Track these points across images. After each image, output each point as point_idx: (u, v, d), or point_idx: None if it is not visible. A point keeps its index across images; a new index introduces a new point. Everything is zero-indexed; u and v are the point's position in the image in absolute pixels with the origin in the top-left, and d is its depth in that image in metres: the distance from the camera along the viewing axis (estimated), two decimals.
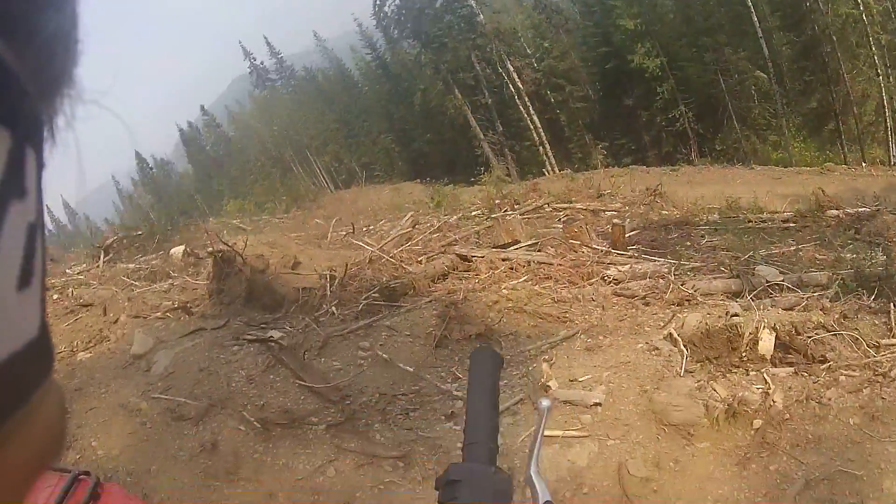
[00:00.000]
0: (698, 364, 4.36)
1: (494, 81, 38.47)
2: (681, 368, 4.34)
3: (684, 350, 4.45)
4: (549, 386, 4.52)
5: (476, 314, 5.99)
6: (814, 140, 30.02)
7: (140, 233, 17.49)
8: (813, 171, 21.84)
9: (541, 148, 37.46)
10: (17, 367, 0.30)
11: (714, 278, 6.98)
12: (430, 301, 6.66)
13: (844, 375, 4.19)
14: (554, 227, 10.94)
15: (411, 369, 5.41)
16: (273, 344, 6.30)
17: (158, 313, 8.22)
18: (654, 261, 8.05)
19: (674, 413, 3.81)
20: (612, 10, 32.40)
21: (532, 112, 37.43)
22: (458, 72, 38.33)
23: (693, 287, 6.35)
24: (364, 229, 13.66)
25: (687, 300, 5.96)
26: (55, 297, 10.02)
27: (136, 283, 10.81)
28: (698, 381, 4.01)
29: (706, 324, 4.65)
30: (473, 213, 13.43)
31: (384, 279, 7.78)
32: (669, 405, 3.84)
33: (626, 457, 3.75)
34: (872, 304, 5.24)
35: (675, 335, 4.63)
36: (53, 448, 0.37)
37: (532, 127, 37.50)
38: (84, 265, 14.04)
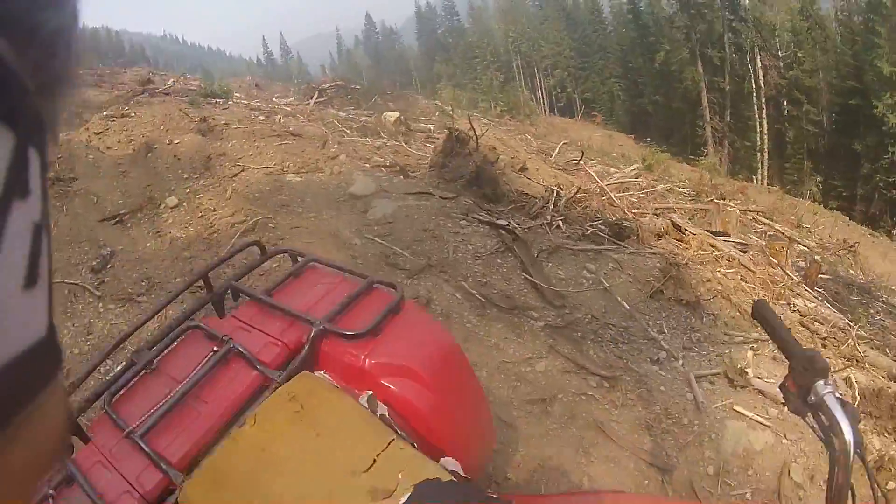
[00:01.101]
0: (862, 414, 4.95)
1: (738, 70, 37.14)
2: None
3: (858, 398, 5.07)
4: (746, 371, 4.89)
5: (690, 283, 6.14)
6: None
7: (358, 86, 17.43)
8: None
9: (759, 154, 36.43)
10: (24, 366, 0.31)
11: (881, 355, 7.20)
12: (654, 254, 6.70)
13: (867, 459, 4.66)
14: (750, 237, 10.95)
15: (627, 306, 5.51)
16: (505, 232, 6.32)
17: (371, 165, 8.30)
18: (834, 312, 8.15)
19: None
20: (874, 48, 29.97)
21: (764, 115, 36.17)
22: (708, 47, 37.24)
23: (865, 352, 6.68)
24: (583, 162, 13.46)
25: (857, 360, 6.31)
26: (261, 118, 10.09)
27: (347, 131, 10.97)
28: (866, 426, 4.63)
29: (877, 384, 5.18)
30: (680, 190, 13.26)
31: (608, 216, 7.80)
32: None
33: (792, 459, 4.14)
34: None
35: (854, 380, 5.21)
36: (58, 449, 0.38)
37: (758, 130, 36.29)
38: (293, 99, 14.18)
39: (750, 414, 4.45)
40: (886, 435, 4.67)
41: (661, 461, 3.88)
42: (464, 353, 2.18)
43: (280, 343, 1.97)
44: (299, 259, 2.43)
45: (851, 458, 1.22)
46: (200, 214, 6.17)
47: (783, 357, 1.44)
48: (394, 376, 1.83)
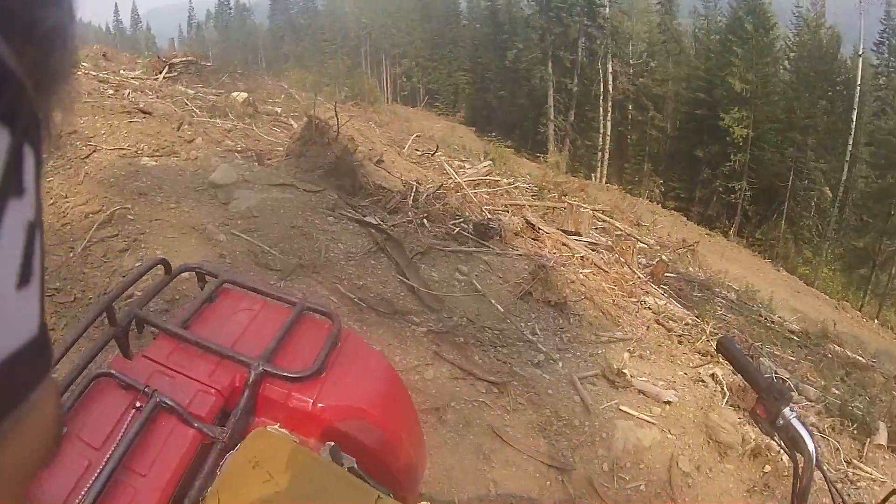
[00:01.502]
0: (732, 408, 5.64)
1: (588, 74, 39.41)
2: (723, 404, 5.60)
3: (727, 392, 5.75)
4: (624, 372, 5.34)
5: (557, 285, 6.50)
6: (843, 275, 31.55)
7: (209, 64, 17.24)
8: (829, 302, 23.15)
9: (600, 154, 38.76)
10: (16, 365, 0.32)
11: None
12: (521, 255, 7.09)
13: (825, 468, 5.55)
14: (592, 233, 11.47)
15: (501, 309, 5.76)
16: (376, 231, 6.40)
17: (223, 149, 8.23)
18: (682, 308, 8.48)
19: (721, 433, 4.79)
20: (727, 65, 33.38)
21: (609, 118, 38.59)
22: (561, 49, 39.18)
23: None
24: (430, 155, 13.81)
25: (711, 355, 6.97)
26: (110, 92, 9.85)
27: (197, 111, 10.84)
28: (741, 419, 5.28)
29: (737, 379, 5.77)
30: (524, 186, 13.64)
31: (467, 214, 8.14)
32: (719, 426, 4.92)
33: (678, 452, 4.63)
34: (853, 432, 6.53)
35: (721, 377, 5.84)
36: (50, 447, 0.40)
37: (602, 131, 38.69)
38: (140, 72, 13.84)
39: (636, 413, 4.86)
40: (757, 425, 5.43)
41: (558, 462, 4.14)
42: (401, 379, 2.13)
43: (213, 390, 1.76)
44: (208, 278, 2.22)
45: (814, 469, 1.53)
46: (52, 201, 5.87)
47: (745, 383, 1.80)
48: (346, 418, 1.76)
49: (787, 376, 7.26)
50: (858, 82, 31.14)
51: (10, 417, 0.33)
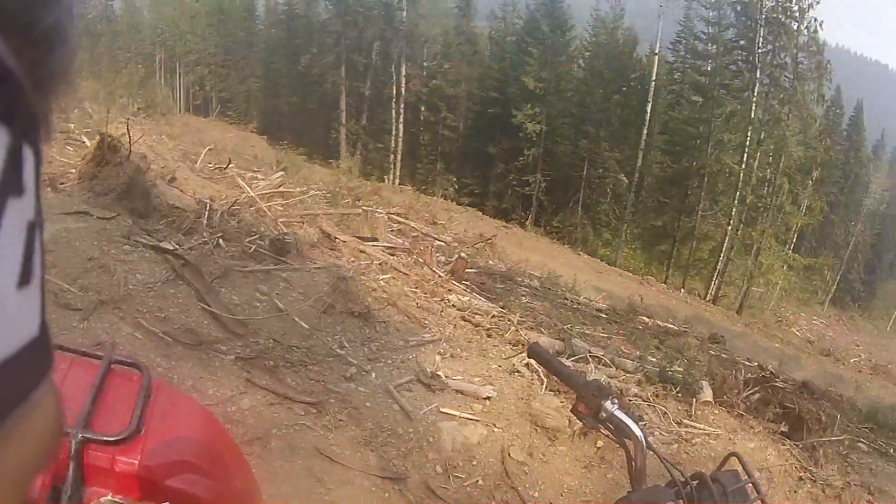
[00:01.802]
0: (552, 393, 6.00)
1: (381, 77, 40.34)
2: (542, 391, 5.92)
3: (545, 379, 6.05)
4: (438, 374, 5.57)
5: (358, 294, 6.66)
6: (644, 253, 34.42)
7: None
8: (633, 279, 25.07)
9: (392, 156, 39.78)
10: (17, 365, 0.33)
11: (541, 334, 8.10)
12: (320, 268, 7.14)
13: (657, 434, 5.93)
14: (390, 237, 11.60)
15: (306, 326, 5.80)
16: (172, 257, 6.25)
17: None
18: (487, 302, 8.96)
19: (546, 419, 5.03)
20: (521, 65, 35.38)
21: (401, 120, 39.60)
22: (355, 53, 39.75)
23: (526, 335, 7.44)
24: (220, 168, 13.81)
25: (521, 343, 7.05)
26: None
27: None
28: (563, 402, 5.56)
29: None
30: (316, 193, 13.91)
31: (262, 229, 8.16)
32: (543, 412, 5.12)
33: (508, 443, 4.87)
34: (678, 395, 7.17)
35: (536, 365, 6.12)
36: (51, 447, 0.41)
37: (394, 133, 39.66)
38: None
39: (458, 413, 5.05)
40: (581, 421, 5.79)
41: (391, 473, 4.20)
42: (218, 421, 2.08)
43: None
44: None
45: (645, 452, 1.63)
46: None
47: (563, 386, 1.95)
48: (174, 474, 1.69)
49: (601, 353, 7.71)
50: (653, 78, 34.07)
51: (11, 417, 0.34)
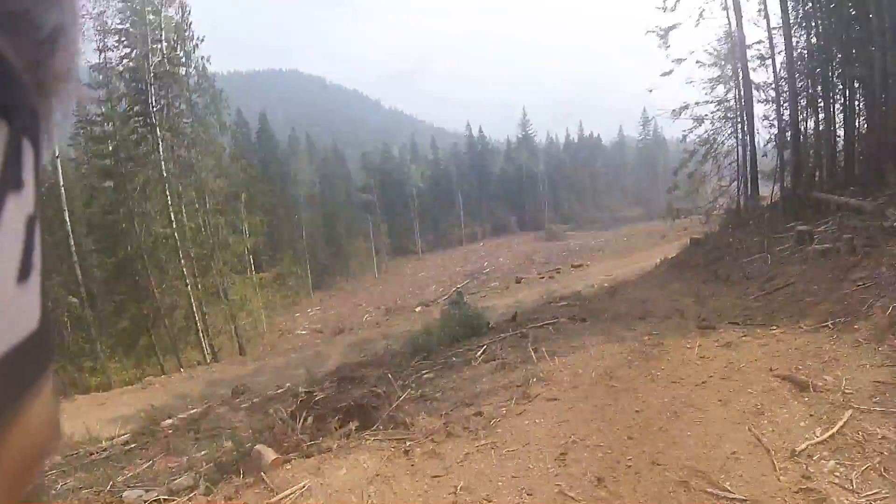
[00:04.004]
0: None
1: None
2: None
3: None
4: None
5: None
6: (130, 357, 32.39)
7: None
8: (136, 388, 23.60)
9: None
10: (17, 359, 0.33)
11: None
12: None
13: None
14: None
15: None
16: None
17: None
18: None
19: None
20: None
21: None
22: None
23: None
24: None
25: None
26: None
27: None
28: None
29: None
30: None
31: None
32: None
33: None
34: (244, 477, 6.63)
35: None
36: (51, 440, 0.40)
37: None
38: None
39: None
40: None
41: None
42: None
43: None
44: None
45: None
46: None
47: None
48: None
49: (154, 494, 7.11)
50: (62, 183, 31.03)
51: (10, 411, 0.34)
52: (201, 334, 31.66)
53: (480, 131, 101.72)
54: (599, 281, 28.36)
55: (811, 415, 6.21)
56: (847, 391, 6.57)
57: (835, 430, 5.75)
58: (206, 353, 31.39)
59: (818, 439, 5.66)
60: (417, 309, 39.15)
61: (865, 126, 23.09)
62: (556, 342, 10.52)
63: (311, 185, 64.95)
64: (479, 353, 10.94)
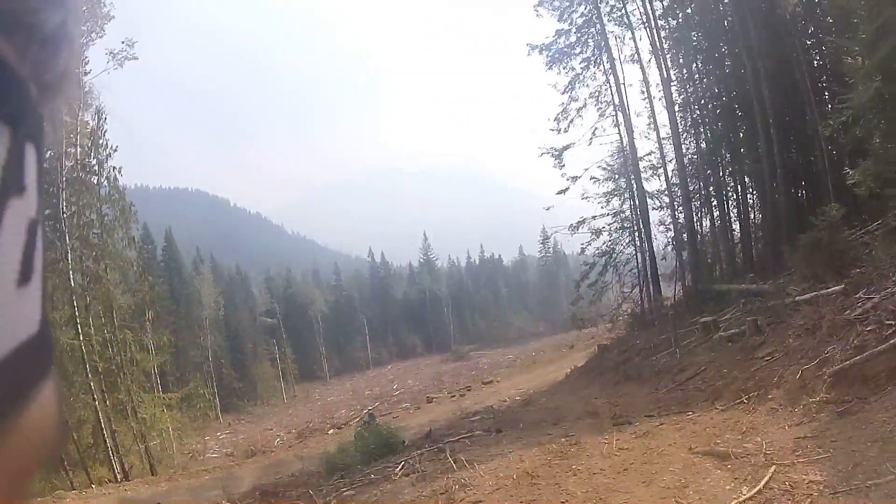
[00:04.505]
0: None
1: None
2: None
3: None
4: None
5: None
6: (38, 480, 30.52)
7: None
8: (48, 501, 22.23)
9: None
10: (18, 362, 0.33)
11: None
12: None
13: None
14: None
15: None
16: None
17: None
18: None
19: None
20: None
21: None
22: None
23: None
24: None
25: None
26: None
27: None
28: None
29: None
30: None
31: None
32: None
33: None
34: None
35: None
36: (53, 442, 0.41)
37: None
38: None
39: None
40: None
41: None
42: None
43: None
44: None
45: None
46: None
47: None
48: None
49: None
50: None
51: (12, 412, 0.34)
52: (111, 451, 30.03)
53: (383, 257, 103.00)
54: (511, 395, 28.46)
55: (735, 478, 6.51)
56: (768, 452, 6.96)
57: (761, 485, 6.05)
58: (116, 470, 29.74)
59: (745, 496, 5.97)
60: (330, 431, 39.01)
61: (759, 216, 24.43)
62: (474, 452, 10.78)
63: (215, 306, 63.81)
64: (397, 469, 11.15)
